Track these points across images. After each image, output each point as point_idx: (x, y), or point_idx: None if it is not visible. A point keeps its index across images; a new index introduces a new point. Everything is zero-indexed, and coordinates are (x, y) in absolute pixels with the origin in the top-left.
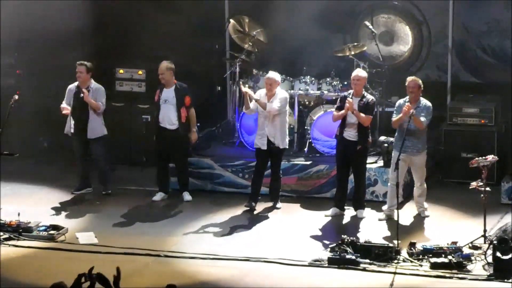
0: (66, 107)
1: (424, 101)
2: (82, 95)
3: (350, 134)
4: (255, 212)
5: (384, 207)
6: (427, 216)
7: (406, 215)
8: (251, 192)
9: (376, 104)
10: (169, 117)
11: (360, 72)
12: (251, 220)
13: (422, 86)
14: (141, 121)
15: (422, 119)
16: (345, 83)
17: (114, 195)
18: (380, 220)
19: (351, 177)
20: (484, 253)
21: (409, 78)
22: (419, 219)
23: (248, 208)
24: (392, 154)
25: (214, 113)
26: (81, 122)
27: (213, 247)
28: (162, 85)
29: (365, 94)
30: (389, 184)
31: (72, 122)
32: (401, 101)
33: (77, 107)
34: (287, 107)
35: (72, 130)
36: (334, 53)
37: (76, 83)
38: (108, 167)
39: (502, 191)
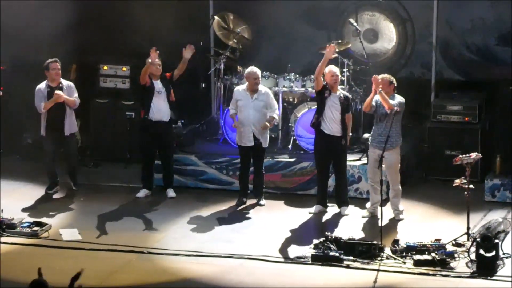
0: (53, 99)
1: (398, 97)
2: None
3: (333, 128)
4: (238, 209)
5: (367, 205)
6: (402, 219)
7: (390, 212)
8: (240, 189)
9: (360, 101)
10: (164, 108)
11: (334, 68)
12: (234, 217)
13: (393, 82)
14: (125, 117)
15: (392, 102)
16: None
17: (98, 192)
18: (363, 217)
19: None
20: (467, 250)
21: (380, 76)
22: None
23: (240, 204)
24: (369, 150)
25: (199, 110)
26: (57, 120)
27: (197, 244)
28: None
29: (340, 90)
30: (369, 181)
31: (44, 121)
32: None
33: (53, 106)
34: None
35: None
36: (319, 50)
37: (45, 83)
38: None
39: (486, 189)
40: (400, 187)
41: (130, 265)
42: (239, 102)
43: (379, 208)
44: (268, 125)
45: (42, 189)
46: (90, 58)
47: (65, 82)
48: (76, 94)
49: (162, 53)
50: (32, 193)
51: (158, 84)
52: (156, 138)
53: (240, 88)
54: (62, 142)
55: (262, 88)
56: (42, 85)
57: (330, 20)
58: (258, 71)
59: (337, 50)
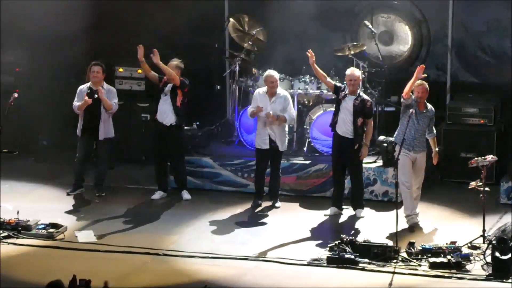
0: (83, 102)
1: (430, 107)
2: (96, 95)
3: (344, 129)
4: (254, 211)
5: (406, 212)
6: (417, 222)
7: None
8: (255, 191)
9: (376, 103)
10: (166, 111)
11: (356, 72)
12: (250, 219)
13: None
14: (140, 119)
15: (434, 132)
16: (345, 82)
17: (113, 194)
18: (410, 230)
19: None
20: (483, 253)
21: (418, 82)
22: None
23: (255, 206)
24: (401, 154)
25: (213, 112)
26: (92, 122)
27: (212, 246)
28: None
29: (361, 93)
30: (403, 187)
31: (81, 123)
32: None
33: (89, 107)
34: None
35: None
36: (334, 52)
37: (87, 84)
38: (107, 170)
39: (501, 191)
40: (420, 190)
41: (145, 267)
42: (258, 104)
43: (417, 216)
44: (271, 116)
45: (57, 191)
46: (106, 60)
47: (107, 86)
48: (115, 100)
49: (177, 55)
50: (48, 195)
51: (168, 87)
52: (161, 140)
53: (261, 91)
54: (95, 146)
55: (281, 91)
56: (83, 86)
57: (345, 22)
58: (275, 74)
59: (341, 53)
